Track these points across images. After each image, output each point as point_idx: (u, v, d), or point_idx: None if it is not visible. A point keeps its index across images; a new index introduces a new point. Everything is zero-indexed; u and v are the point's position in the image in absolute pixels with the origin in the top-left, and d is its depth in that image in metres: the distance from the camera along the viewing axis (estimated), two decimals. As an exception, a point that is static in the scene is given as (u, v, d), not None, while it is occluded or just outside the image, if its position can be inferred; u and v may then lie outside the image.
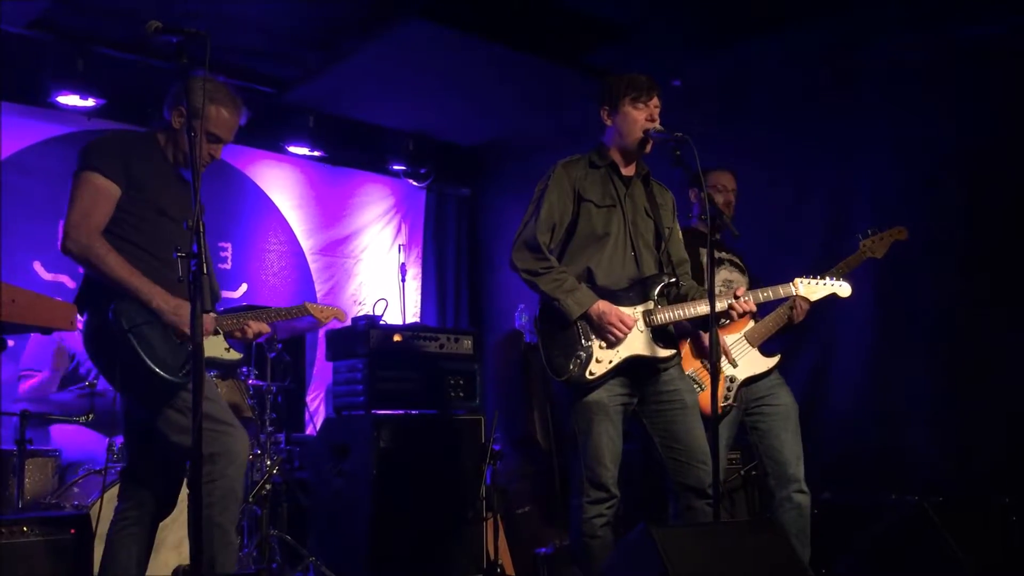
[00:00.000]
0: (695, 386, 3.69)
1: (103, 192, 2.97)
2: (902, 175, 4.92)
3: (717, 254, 3.98)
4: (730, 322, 3.82)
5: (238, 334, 3.21)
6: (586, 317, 3.26)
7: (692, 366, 3.80)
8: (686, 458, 3.28)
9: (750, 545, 2.94)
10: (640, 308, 3.33)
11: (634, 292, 3.35)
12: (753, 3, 4.94)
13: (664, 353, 3.32)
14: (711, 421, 3.18)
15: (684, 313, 3.33)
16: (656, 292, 3.35)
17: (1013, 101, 4.49)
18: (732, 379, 3.83)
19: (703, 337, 3.77)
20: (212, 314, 3.14)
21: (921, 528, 3.82)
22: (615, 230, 3.39)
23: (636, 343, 3.30)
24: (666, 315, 3.32)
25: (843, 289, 3.54)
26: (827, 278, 3.55)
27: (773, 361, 3.90)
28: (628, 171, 3.49)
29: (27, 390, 4.70)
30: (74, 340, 4.79)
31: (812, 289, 3.50)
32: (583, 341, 3.27)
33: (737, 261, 4.16)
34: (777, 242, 5.14)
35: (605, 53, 5.56)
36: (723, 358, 3.80)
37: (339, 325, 5.00)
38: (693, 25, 5.23)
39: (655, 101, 3.39)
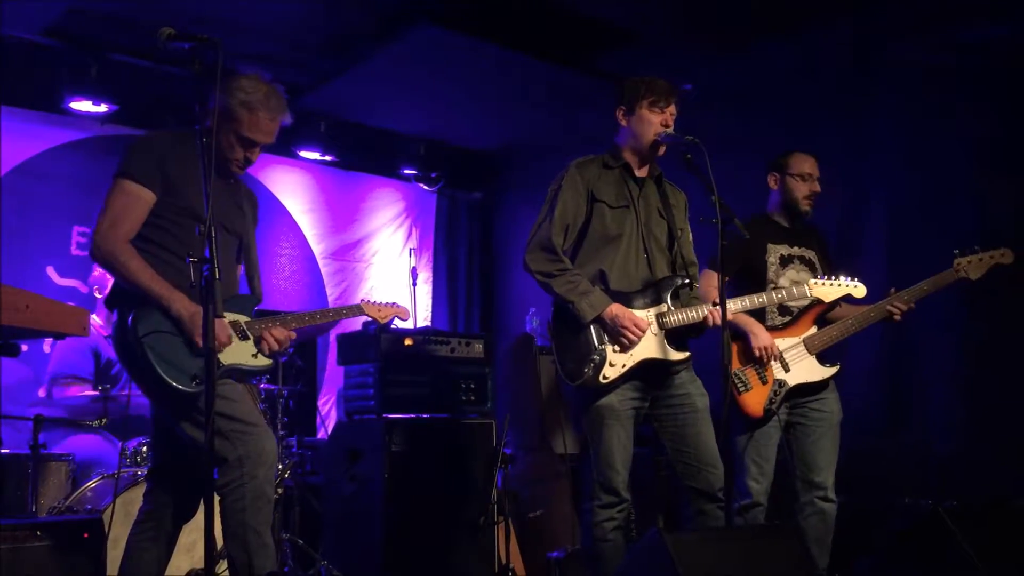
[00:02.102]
0: (741, 386, 3.69)
1: (134, 199, 2.96)
2: (916, 176, 4.90)
3: (788, 251, 3.89)
4: (789, 323, 3.77)
5: (264, 344, 3.12)
6: (599, 320, 3.25)
7: (739, 366, 3.73)
8: (696, 462, 3.27)
9: (763, 550, 2.93)
10: (653, 311, 3.32)
11: (647, 294, 3.34)
12: (765, 7, 4.93)
13: (677, 356, 3.31)
14: (722, 424, 3.17)
15: (697, 315, 3.30)
16: (669, 294, 3.34)
17: (1026, 102, 4.48)
18: (781, 383, 3.71)
19: (751, 341, 3.70)
20: (243, 319, 3.10)
21: (935, 532, 3.80)
22: (628, 231, 3.38)
23: (649, 346, 3.29)
24: (679, 317, 3.30)
25: (858, 289, 3.49)
26: (842, 278, 3.51)
27: (830, 371, 3.75)
28: (641, 172, 3.48)
29: (68, 398, 4.68)
30: (106, 345, 4.79)
31: (827, 291, 3.46)
32: (596, 344, 3.26)
33: (811, 258, 3.94)
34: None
35: (616, 57, 5.55)
36: (774, 361, 3.70)
37: (350, 329, 5.02)
38: (705, 29, 5.22)
39: (672, 108, 3.39)
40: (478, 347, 4.98)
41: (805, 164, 3.90)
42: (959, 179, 4.71)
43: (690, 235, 3.57)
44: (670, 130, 3.36)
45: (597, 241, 3.37)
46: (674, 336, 3.33)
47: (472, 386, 4.88)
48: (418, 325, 6.72)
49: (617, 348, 3.25)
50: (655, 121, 3.36)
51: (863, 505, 4.21)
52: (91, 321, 4.70)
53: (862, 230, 5.13)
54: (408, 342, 4.76)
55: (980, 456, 4.50)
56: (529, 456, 5.27)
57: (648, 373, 3.31)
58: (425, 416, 4.75)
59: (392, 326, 4.77)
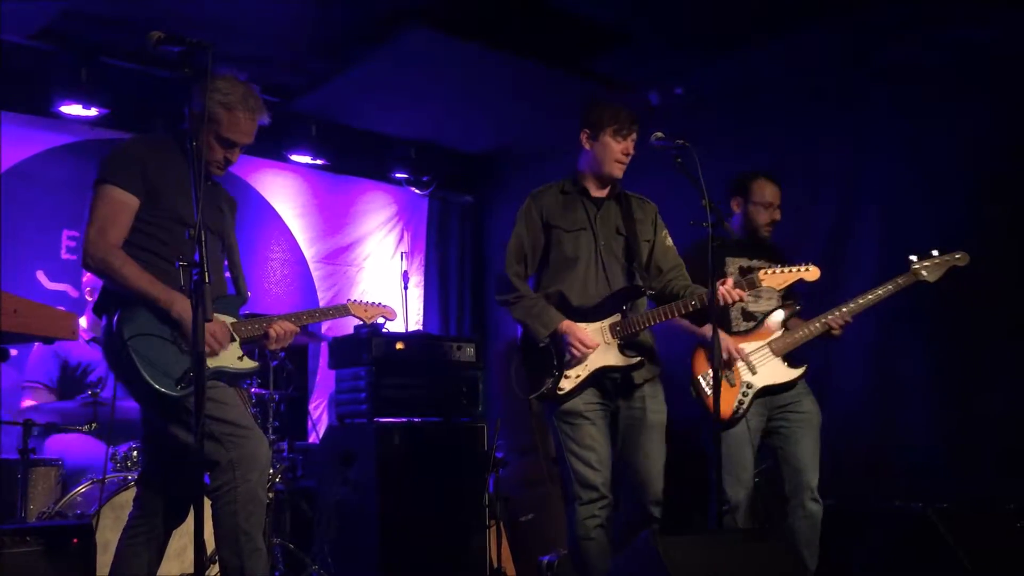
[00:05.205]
0: (710, 389, 3.72)
1: (120, 205, 2.95)
2: (910, 178, 4.92)
3: (748, 263, 3.95)
4: (753, 328, 3.85)
5: (271, 333, 3.12)
6: (553, 337, 3.44)
7: (705, 370, 3.80)
8: (634, 479, 3.45)
9: (753, 554, 2.94)
10: (608, 322, 3.47)
11: (604, 307, 3.50)
12: (758, 7, 4.93)
13: (631, 360, 3.45)
14: (713, 428, 3.28)
15: (656, 317, 3.44)
16: (625, 304, 3.48)
17: (1021, 102, 4.48)
18: (749, 385, 3.77)
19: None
20: (229, 320, 3.09)
21: (926, 535, 3.81)
22: (585, 253, 3.55)
23: (604, 355, 3.45)
24: (633, 325, 3.45)
25: (810, 273, 3.48)
26: (795, 265, 3.49)
27: (797, 372, 3.82)
28: (600, 193, 3.63)
29: (30, 405, 4.67)
30: (79, 350, 4.78)
31: (777, 278, 3.46)
32: (554, 360, 3.46)
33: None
34: (785, 246, 5.13)
35: (609, 59, 5.56)
36: (741, 364, 3.76)
37: (341, 333, 5.01)
38: (698, 30, 5.21)
39: (634, 136, 3.54)
40: (470, 351, 4.98)
41: (767, 192, 3.99)
42: (955, 178, 4.72)
43: (668, 240, 3.69)
44: (628, 159, 3.51)
45: (558, 264, 3.57)
46: (631, 343, 3.48)
47: (464, 390, 4.88)
48: (410, 329, 6.71)
49: (571, 361, 3.43)
50: (616, 149, 3.53)
51: (854, 509, 4.22)
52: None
53: (858, 229, 5.14)
54: (399, 346, 4.76)
55: (970, 460, 4.51)
56: (521, 459, 5.27)
57: (608, 381, 3.48)
58: (417, 420, 4.75)
59: (383, 328, 4.79)
